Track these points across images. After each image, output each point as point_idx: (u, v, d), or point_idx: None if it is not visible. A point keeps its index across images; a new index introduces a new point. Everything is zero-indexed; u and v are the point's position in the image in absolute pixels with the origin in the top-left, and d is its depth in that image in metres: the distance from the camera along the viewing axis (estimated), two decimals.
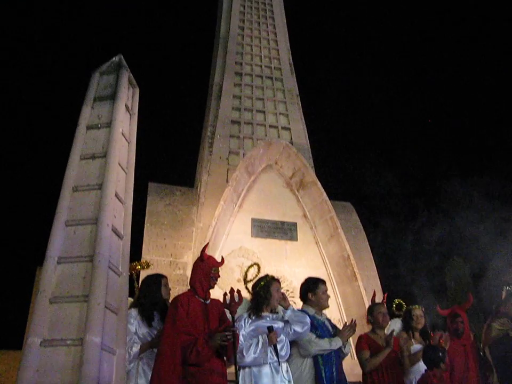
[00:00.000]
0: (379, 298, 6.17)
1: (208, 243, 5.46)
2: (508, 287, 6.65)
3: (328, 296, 5.44)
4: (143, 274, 6.01)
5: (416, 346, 5.84)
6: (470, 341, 6.21)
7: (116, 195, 4.36)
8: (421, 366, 5.64)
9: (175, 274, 8.92)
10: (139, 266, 5.67)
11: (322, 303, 5.36)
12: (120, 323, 4.21)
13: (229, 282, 8.43)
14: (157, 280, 5.30)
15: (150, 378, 4.50)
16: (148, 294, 5.15)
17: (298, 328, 4.93)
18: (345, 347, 5.26)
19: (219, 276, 4.98)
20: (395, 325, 6.12)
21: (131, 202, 4.66)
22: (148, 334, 4.94)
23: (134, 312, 5.02)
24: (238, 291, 4.89)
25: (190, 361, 4.41)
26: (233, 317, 4.67)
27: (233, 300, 4.79)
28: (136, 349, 4.84)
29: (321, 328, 5.17)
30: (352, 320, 5.36)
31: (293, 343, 5.03)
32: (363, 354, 5.48)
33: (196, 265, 4.97)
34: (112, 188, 4.27)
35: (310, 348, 4.97)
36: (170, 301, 5.01)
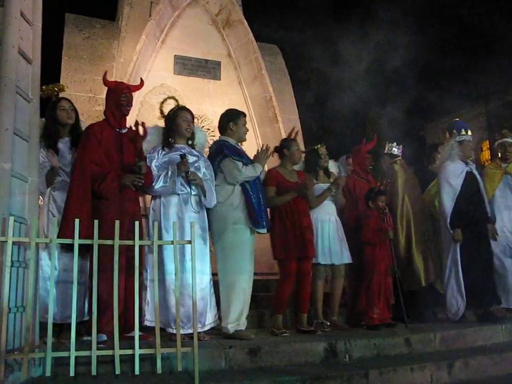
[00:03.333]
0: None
1: (106, 71, 5.22)
2: (389, 144, 7.04)
3: (247, 129, 5.52)
4: None
5: (321, 185, 6.06)
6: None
7: (22, 14, 3.99)
8: (326, 205, 5.97)
9: (94, 110, 8.68)
10: (53, 90, 5.36)
11: (241, 135, 5.44)
12: (32, 150, 4.11)
13: (150, 119, 8.35)
14: (53, 105, 5.11)
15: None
16: (47, 119, 5.03)
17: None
18: (261, 173, 5.45)
19: (131, 102, 4.90)
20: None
21: (40, 25, 4.29)
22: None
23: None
24: (143, 123, 4.92)
25: (98, 193, 4.47)
26: (139, 149, 4.76)
27: (137, 133, 4.84)
28: (43, 186, 4.82)
29: (243, 157, 5.30)
30: (265, 145, 5.49)
31: (218, 172, 5.19)
32: (269, 190, 5.61)
33: (106, 95, 4.89)
34: (16, 6, 3.87)
35: (237, 176, 5.09)
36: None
